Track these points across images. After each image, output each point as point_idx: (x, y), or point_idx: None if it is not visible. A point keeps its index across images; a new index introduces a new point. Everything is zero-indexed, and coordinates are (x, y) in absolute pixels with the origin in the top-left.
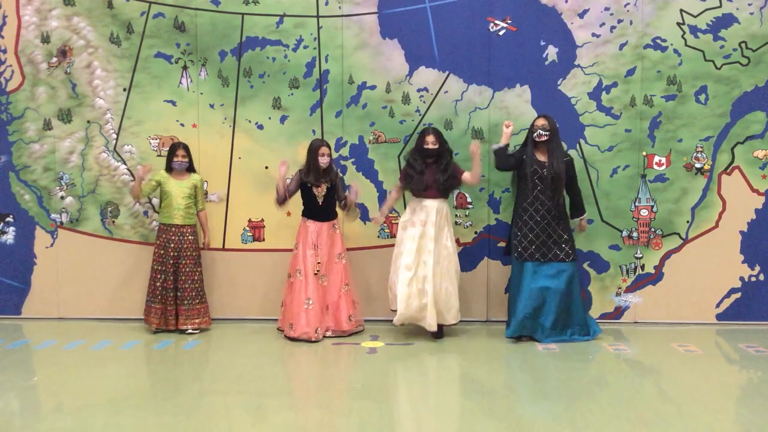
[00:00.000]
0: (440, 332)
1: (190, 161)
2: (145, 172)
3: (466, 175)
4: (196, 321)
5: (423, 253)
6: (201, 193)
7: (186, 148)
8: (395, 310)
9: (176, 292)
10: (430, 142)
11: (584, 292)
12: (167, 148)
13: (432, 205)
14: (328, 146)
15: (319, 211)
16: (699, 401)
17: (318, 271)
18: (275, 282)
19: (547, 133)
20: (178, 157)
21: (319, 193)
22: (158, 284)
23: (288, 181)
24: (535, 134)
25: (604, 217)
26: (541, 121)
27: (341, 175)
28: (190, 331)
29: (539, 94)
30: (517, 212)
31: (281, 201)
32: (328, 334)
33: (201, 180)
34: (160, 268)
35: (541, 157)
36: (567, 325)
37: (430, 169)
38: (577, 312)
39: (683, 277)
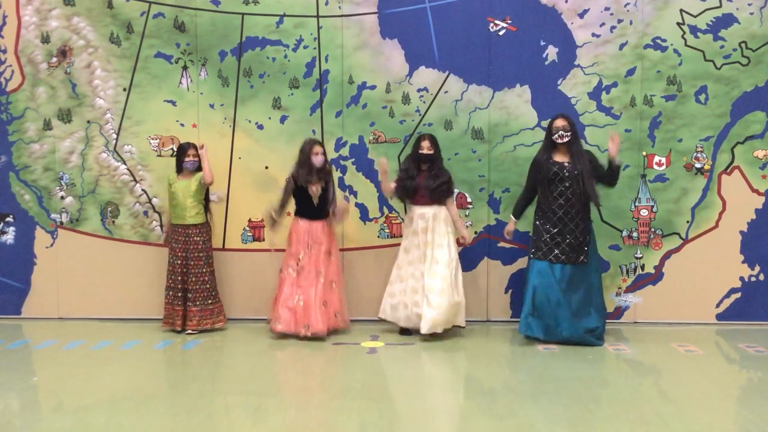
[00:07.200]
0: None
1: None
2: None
3: (452, 208)
4: (210, 321)
5: (424, 262)
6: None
7: (195, 147)
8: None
9: (186, 293)
10: (425, 147)
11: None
12: (167, 148)
13: (427, 212)
14: (321, 144)
15: (313, 210)
16: (699, 401)
17: (308, 268)
18: (275, 282)
19: (569, 134)
20: (189, 157)
21: (314, 193)
22: (167, 284)
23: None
24: (556, 136)
25: (604, 217)
26: (561, 122)
27: (339, 174)
28: (200, 330)
29: (539, 94)
30: (537, 213)
31: (274, 225)
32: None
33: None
34: (169, 268)
35: (561, 159)
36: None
37: (422, 176)
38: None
39: (683, 277)
